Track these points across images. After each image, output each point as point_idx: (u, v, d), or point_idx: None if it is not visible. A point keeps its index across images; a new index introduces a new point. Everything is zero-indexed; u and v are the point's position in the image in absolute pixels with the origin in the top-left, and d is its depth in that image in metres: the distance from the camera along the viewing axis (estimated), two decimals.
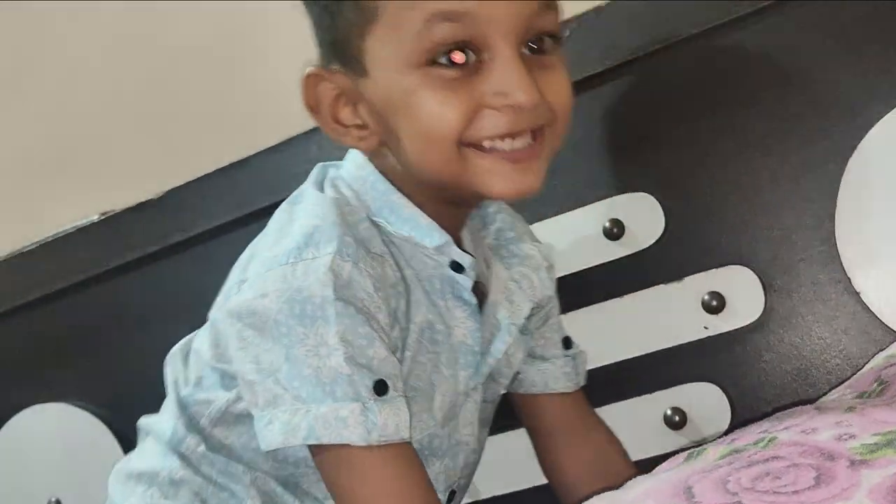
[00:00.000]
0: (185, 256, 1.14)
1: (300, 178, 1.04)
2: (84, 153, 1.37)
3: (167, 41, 1.31)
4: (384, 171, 0.71)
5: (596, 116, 0.96)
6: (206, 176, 1.12)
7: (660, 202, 0.94)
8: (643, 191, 0.94)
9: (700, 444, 0.72)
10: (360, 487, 0.65)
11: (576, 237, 0.96)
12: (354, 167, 0.72)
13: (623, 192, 0.95)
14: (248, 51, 1.26)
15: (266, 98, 1.25)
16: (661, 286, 0.94)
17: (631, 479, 0.67)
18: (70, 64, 1.37)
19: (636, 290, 0.95)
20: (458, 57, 0.64)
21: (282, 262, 0.65)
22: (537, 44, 0.66)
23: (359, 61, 0.67)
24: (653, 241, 0.94)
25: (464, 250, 0.72)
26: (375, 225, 0.69)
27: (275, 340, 0.63)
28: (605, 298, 0.96)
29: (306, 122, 1.04)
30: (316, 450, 0.66)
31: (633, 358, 0.96)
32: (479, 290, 0.75)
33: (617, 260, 0.95)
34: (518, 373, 0.84)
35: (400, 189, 0.70)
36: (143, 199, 1.15)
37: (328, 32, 0.69)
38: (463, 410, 0.76)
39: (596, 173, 0.97)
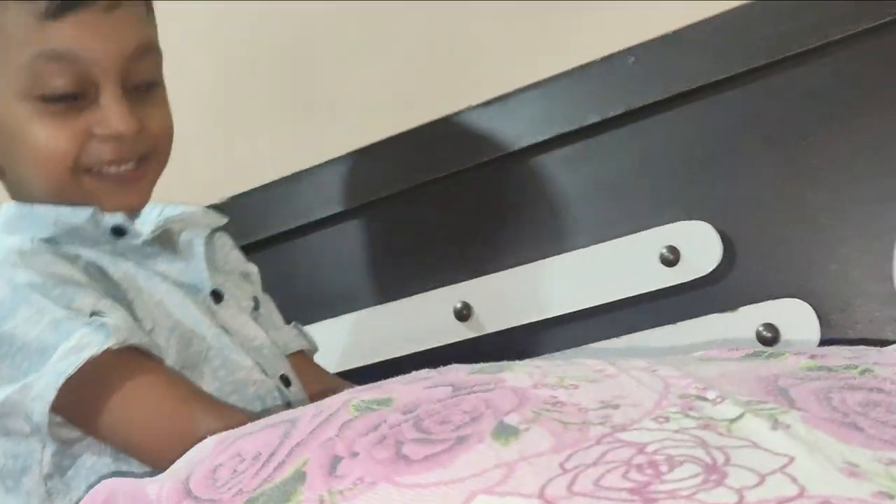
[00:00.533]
0: (250, 260, 1.16)
1: (361, 190, 1.08)
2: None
3: (241, 51, 1.34)
4: (21, 195, 0.77)
5: (657, 143, 0.96)
6: (271, 184, 1.15)
7: (718, 231, 0.93)
8: (701, 219, 0.93)
9: None
10: (119, 398, 0.66)
11: (631, 262, 0.96)
12: (10, 224, 0.76)
13: (681, 220, 0.95)
14: (317, 61, 1.29)
15: (332, 110, 1.28)
16: (716, 315, 0.93)
17: None
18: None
19: (690, 318, 0.95)
20: (64, 91, 0.71)
21: None
22: (140, 82, 0.75)
23: None
24: (709, 269, 0.93)
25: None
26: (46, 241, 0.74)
27: None
28: (659, 325, 0.96)
29: (369, 136, 1.08)
30: (71, 401, 0.65)
31: None
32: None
33: (672, 287, 0.95)
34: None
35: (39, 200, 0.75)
36: (209, 204, 1.17)
37: None
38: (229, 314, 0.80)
39: (654, 199, 0.97)
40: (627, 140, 0.96)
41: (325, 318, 1.11)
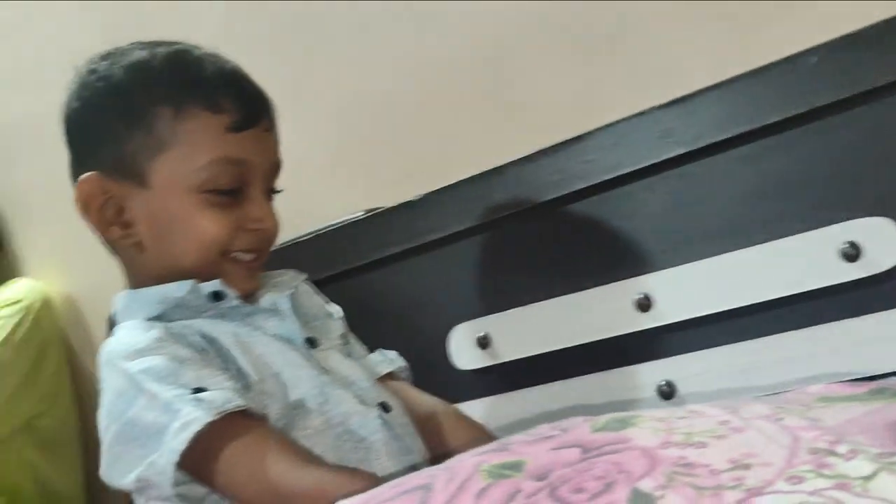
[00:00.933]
0: (439, 254, 1.23)
1: (548, 189, 1.13)
2: (354, 156, 1.51)
3: (432, 54, 1.42)
4: (136, 283, 0.90)
5: (837, 141, 0.97)
6: (462, 181, 1.20)
7: None
8: (882, 215, 0.94)
9: None
10: (225, 463, 0.76)
11: (811, 258, 0.98)
12: (125, 310, 0.89)
13: (862, 216, 0.95)
14: (505, 65, 1.35)
15: (519, 111, 1.33)
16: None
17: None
18: (347, 75, 1.51)
19: (869, 313, 0.95)
20: (230, 188, 0.86)
21: None
22: (272, 192, 0.92)
23: (141, 177, 0.86)
24: (890, 265, 0.94)
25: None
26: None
27: None
28: (838, 319, 0.97)
29: (555, 136, 1.13)
30: (191, 468, 0.76)
31: (870, 378, 0.96)
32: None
33: (851, 282, 0.96)
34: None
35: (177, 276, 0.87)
36: (404, 200, 1.26)
37: (109, 149, 0.88)
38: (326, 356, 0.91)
39: (834, 196, 0.98)
40: (808, 138, 0.97)
41: (511, 307, 1.17)
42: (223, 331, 0.86)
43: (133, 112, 0.87)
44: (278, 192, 0.94)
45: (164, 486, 0.75)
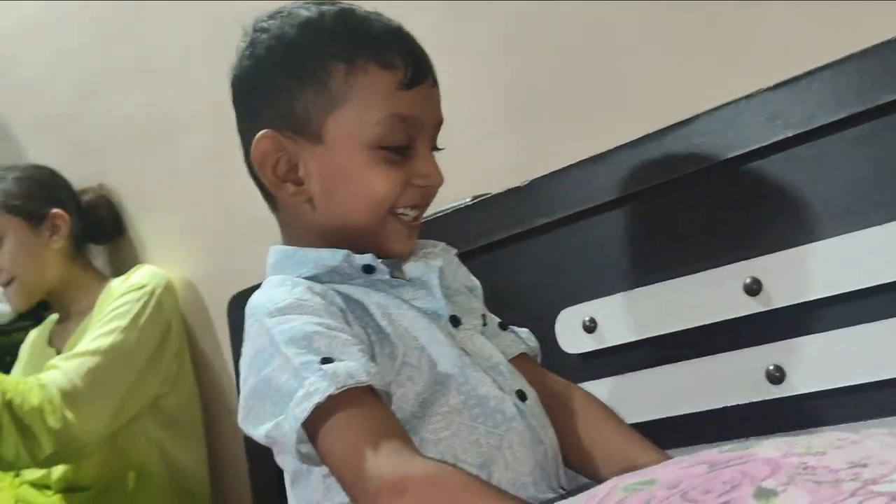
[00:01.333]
0: (545, 239, 1.24)
1: (652, 173, 1.13)
2: (461, 144, 1.53)
3: (535, 41, 1.42)
4: (293, 241, 0.93)
5: None
6: (568, 167, 1.22)
7: None
8: None
9: None
10: (336, 432, 0.75)
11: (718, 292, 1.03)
12: (277, 265, 0.92)
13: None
14: (609, 48, 1.35)
15: (624, 95, 1.33)
16: None
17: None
18: (458, 61, 1.53)
19: None
20: (402, 144, 0.88)
21: None
22: (433, 148, 0.93)
23: (315, 133, 0.88)
24: None
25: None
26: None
27: None
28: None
29: (659, 122, 1.13)
30: (312, 433, 0.76)
31: None
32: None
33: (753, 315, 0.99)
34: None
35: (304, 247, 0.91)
36: (511, 186, 1.27)
37: (284, 106, 0.89)
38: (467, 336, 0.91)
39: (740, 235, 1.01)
40: None
41: (617, 291, 1.18)
42: (371, 300, 0.88)
43: (306, 68, 0.88)
44: (440, 149, 0.95)
45: (289, 447, 0.77)
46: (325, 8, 0.90)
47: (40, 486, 1.82)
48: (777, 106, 1.03)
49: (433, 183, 0.90)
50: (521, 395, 0.89)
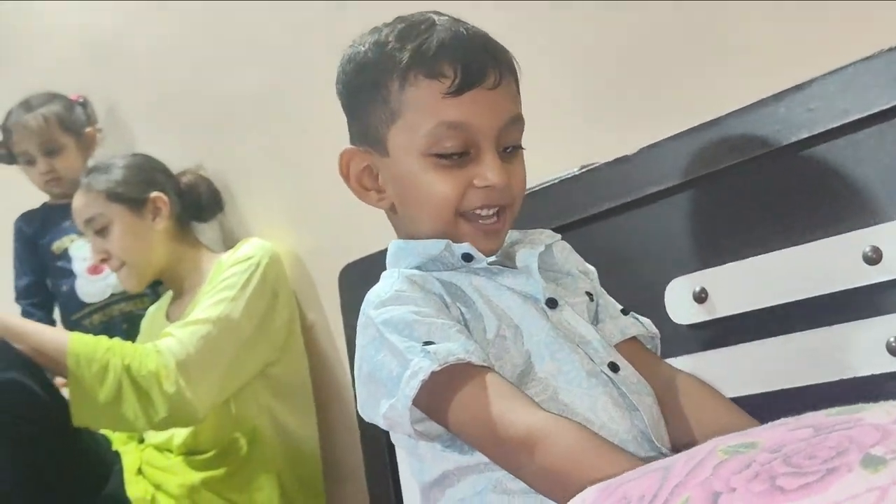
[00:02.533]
0: (655, 208, 1.23)
1: (766, 140, 1.10)
2: (569, 113, 1.52)
3: (645, 3, 1.40)
4: (406, 233, 0.99)
5: None
6: (679, 135, 1.19)
7: None
8: None
9: None
10: (448, 407, 0.84)
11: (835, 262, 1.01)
12: (392, 257, 0.99)
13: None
14: (721, 10, 1.32)
15: (734, 62, 1.30)
16: None
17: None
18: (560, 32, 1.52)
19: None
20: (455, 150, 0.91)
21: None
22: (509, 149, 0.95)
23: (383, 145, 0.95)
24: None
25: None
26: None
27: None
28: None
29: (774, 85, 1.10)
30: (427, 409, 0.86)
31: None
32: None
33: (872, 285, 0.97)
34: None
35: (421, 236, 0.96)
36: (620, 156, 1.26)
37: (361, 122, 0.98)
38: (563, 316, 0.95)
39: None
40: None
41: (729, 261, 1.15)
42: (472, 285, 0.94)
43: (371, 87, 0.95)
44: (518, 147, 0.97)
45: (405, 426, 0.85)
46: (398, 25, 0.95)
47: (163, 449, 1.90)
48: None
49: (491, 184, 0.92)
50: (614, 367, 0.92)
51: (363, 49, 0.96)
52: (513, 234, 1.03)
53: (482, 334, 0.90)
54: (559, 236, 1.05)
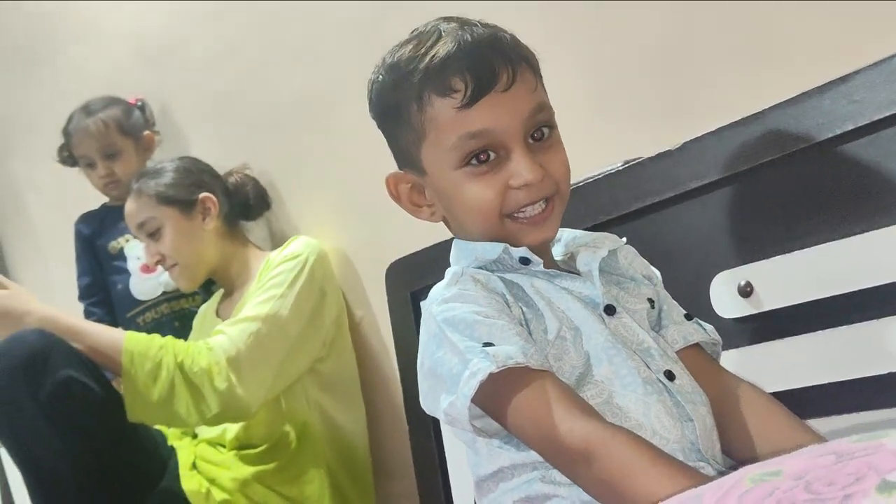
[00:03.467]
0: (699, 202, 1.22)
1: (810, 133, 1.10)
2: (613, 107, 1.52)
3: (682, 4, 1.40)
4: (462, 235, 1.00)
5: None
6: (722, 129, 1.19)
7: None
8: None
9: None
10: (506, 409, 0.85)
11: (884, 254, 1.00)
12: (455, 256, 1.00)
13: None
14: (764, 2, 1.31)
15: (778, 55, 1.29)
16: None
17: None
18: (604, 23, 1.52)
19: None
20: (484, 157, 0.92)
21: None
22: (538, 133, 0.94)
23: (419, 165, 0.97)
24: None
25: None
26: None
27: None
28: None
29: (818, 78, 1.10)
30: (484, 409, 0.87)
31: None
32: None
33: None
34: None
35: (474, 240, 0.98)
36: (663, 150, 1.26)
37: (396, 145, 1.00)
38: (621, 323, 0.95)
39: None
40: None
41: (774, 255, 1.15)
42: (533, 286, 0.96)
43: (394, 112, 0.97)
44: (550, 129, 0.95)
45: (464, 423, 0.87)
46: (409, 43, 0.96)
47: (216, 444, 1.93)
48: None
49: (526, 181, 0.92)
50: (670, 375, 0.93)
51: (382, 76, 0.98)
52: (578, 237, 1.05)
53: (542, 335, 0.91)
54: (624, 241, 1.06)
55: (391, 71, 0.97)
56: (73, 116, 2.42)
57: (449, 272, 0.98)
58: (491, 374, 0.83)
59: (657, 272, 1.08)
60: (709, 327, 1.05)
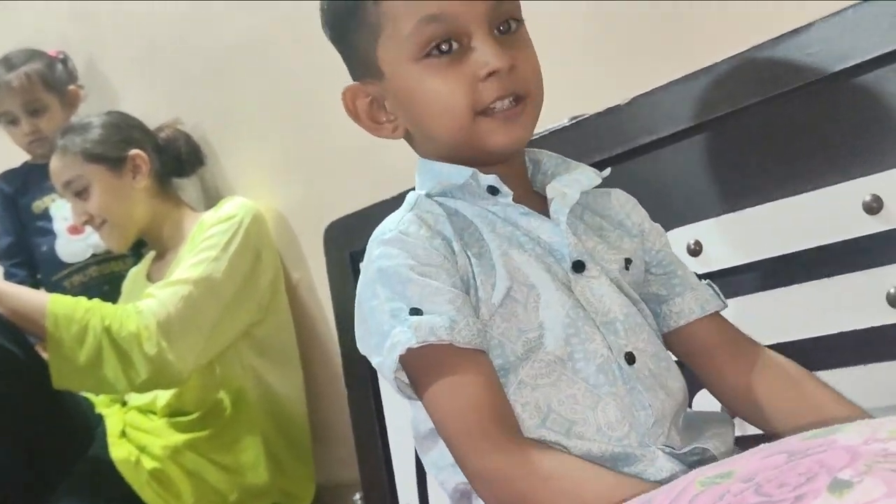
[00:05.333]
0: (648, 159, 1.20)
1: (762, 86, 1.07)
2: (558, 65, 1.48)
3: None
4: (425, 152, 0.92)
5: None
6: (672, 83, 1.16)
7: None
8: None
9: None
10: (420, 389, 0.81)
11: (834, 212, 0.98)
12: (419, 177, 0.92)
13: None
14: None
15: (726, 8, 1.27)
16: None
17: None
18: None
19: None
20: (446, 47, 0.84)
21: None
22: (505, 26, 0.86)
23: (376, 67, 0.89)
24: None
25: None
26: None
27: None
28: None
29: (763, 34, 1.07)
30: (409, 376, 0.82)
31: None
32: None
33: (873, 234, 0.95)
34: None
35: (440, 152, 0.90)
36: (611, 105, 1.22)
37: (351, 52, 0.92)
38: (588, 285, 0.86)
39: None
40: None
41: (725, 212, 1.13)
42: (491, 227, 0.87)
43: (347, 12, 0.89)
44: (518, 21, 0.88)
45: (393, 387, 0.83)
46: None
47: (146, 411, 1.88)
48: None
49: (494, 68, 0.83)
50: (630, 358, 0.85)
51: None
52: (559, 164, 0.95)
53: (489, 291, 0.83)
54: (604, 174, 0.94)
55: None
56: None
57: (409, 196, 0.90)
58: (409, 349, 0.78)
59: (656, 227, 0.98)
60: (720, 293, 0.96)
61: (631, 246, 0.94)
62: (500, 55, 0.83)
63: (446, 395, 0.79)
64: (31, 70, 2.30)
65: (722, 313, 0.95)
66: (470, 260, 0.84)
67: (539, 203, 0.90)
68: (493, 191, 0.87)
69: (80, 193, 1.97)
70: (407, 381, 0.83)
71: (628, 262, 0.92)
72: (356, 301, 0.87)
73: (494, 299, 0.83)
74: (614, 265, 0.90)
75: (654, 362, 0.87)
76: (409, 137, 0.93)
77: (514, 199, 0.87)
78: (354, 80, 0.93)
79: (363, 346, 0.87)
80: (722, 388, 0.94)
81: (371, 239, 0.87)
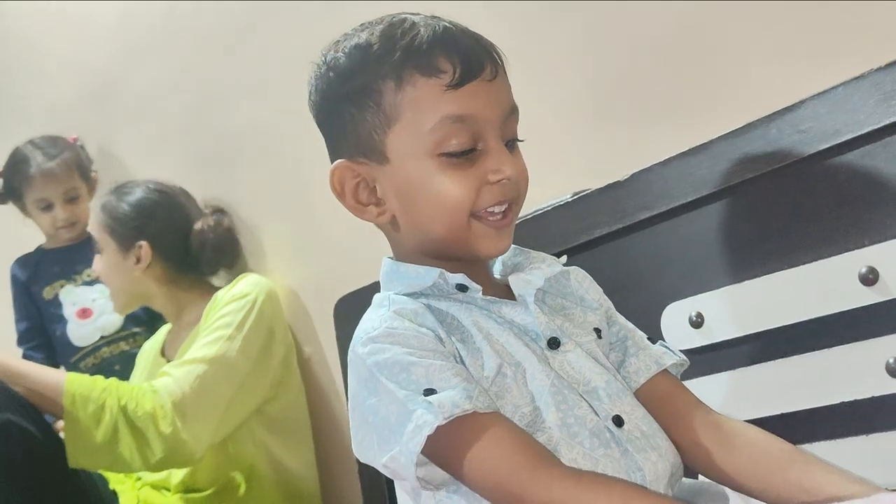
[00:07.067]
0: (648, 234, 1.22)
1: (757, 162, 1.10)
2: (561, 140, 1.51)
3: (630, 31, 1.40)
4: (397, 255, 0.95)
5: None
6: (670, 159, 1.19)
7: None
8: None
9: None
10: (458, 461, 0.80)
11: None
12: (386, 278, 0.94)
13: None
14: (702, 43, 1.32)
15: (723, 87, 1.30)
16: None
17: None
18: (551, 61, 1.52)
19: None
20: (467, 145, 0.87)
21: None
22: (508, 142, 0.90)
23: (380, 152, 0.89)
24: None
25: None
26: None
27: None
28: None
29: (764, 108, 1.10)
30: (433, 460, 0.82)
31: None
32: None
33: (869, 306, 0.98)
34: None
35: (405, 261, 0.93)
36: (611, 181, 1.25)
37: (350, 133, 0.91)
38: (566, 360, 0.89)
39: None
40: None
41: (724, 285, 1.15)
42: (468, 317, 0.89)
43: (361, 93, 0.89)
44: (520, 140, 0.93)
45: (409, 477, 0.81)
46: (376, 26, 0.91)
47: (160, 487, 1.88)
48: (890, 86, 0.99)
49: (506, 176, 0.87)
50: (618, 421, 0.87)
51: (343, 56, 0.92)
52: (516, 253, 0.99)
53: (479, 371, 0.85)
54: (562, 261, 1.00)
55: (358, 51, 0.90)
56: (27, 157, 2.36)
57: (375, 300, 0.92)
58: (438, 427, 0.77)
59: (608, 301, 1.03)
60: (675, 349, 1.00)
61: (595, 318, 0.97)
62: (512, 164, 0.88)
63: (487, 451, 0.79)
64: (70, 158, 2.37)
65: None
66: (456, 346, 0.86)
67: (503, 290, 0.94)
68: (461, 287, 0.90)
69: (97, 249, 2.06)
70: (423, 462, 0.82)
71: (598, 331, 0.95)
72: (350, 406, 0.87)
73: (487, 373, 0.85)
74: (586, 337, 0.93)
75: (646, 423, 0.89)
76: (389, 226, 0.94)
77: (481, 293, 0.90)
78: (338, 156, 0.93)
79: (364, 450, 0.85)
80: (683, 442, 0.92)
81: (353, 342, 0.87)
